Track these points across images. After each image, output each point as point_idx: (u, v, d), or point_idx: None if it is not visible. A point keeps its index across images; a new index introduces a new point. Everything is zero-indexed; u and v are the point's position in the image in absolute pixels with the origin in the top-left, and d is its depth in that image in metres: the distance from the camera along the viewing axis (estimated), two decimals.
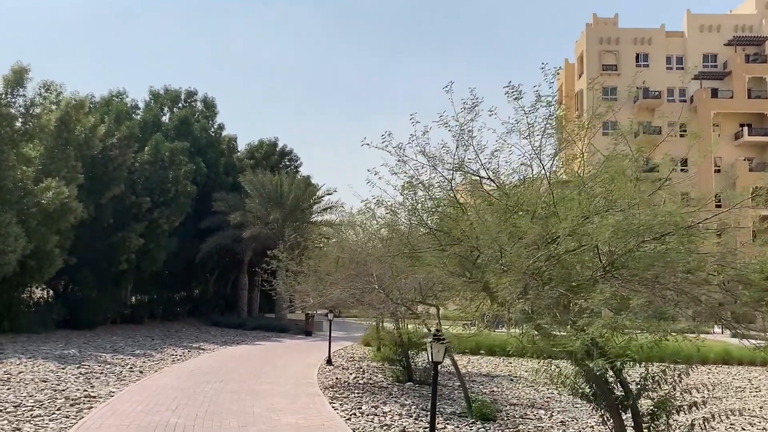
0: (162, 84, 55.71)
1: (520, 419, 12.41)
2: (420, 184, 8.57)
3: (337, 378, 16.88)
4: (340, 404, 12.87)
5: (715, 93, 73.31)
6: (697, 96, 73.67)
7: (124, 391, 13.53)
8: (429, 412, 12.62)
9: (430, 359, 7.83)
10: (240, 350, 24.35)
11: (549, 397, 15.51)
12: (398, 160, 8.48)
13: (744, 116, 70.00)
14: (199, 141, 39.63)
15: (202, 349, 23.89)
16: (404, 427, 10.94)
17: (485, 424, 11.53)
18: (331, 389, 14.92)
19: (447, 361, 20.69)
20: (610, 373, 8.04)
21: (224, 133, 44.60)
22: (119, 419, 10.62)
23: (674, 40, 76.69)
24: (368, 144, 8.43)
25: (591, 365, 7.43)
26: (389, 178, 8.82)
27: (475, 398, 12.61)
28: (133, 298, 39.02)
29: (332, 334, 34.51)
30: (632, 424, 7.94)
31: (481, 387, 16.57)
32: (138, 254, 31.11)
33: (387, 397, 13.99)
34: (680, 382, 8.02)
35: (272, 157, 47.17)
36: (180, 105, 42.79)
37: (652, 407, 8.00)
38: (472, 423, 11.66)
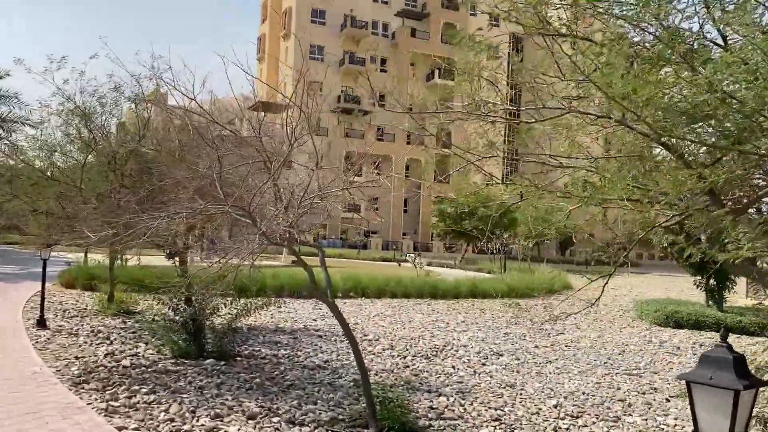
0: None
1: (441, 422, 7.91)
2: None
3: (77, 358, 10.03)
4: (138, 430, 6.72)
5: (414, 33, 75.77)
6: (398, 33, 75.34)
7: None
8: (304, 428, 7.39)
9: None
10: None
11: (413, 367, 11.16)
12: None
13: (437, 59, 74.22)
14: None
15: None
16: None
17: None
18: (86, 386, 8.30)
19: (262, 318, 14.35)
20: None
21: None
22: None
23: None
24: None
25: None
26: None
27: (380, 394, 7.61)
28: None
29: None
30: None
31: (295, 350, 11.39)
32: None
33: (201, 398, 8.06)
34: None
35: None
36: None
37: None
38: None
